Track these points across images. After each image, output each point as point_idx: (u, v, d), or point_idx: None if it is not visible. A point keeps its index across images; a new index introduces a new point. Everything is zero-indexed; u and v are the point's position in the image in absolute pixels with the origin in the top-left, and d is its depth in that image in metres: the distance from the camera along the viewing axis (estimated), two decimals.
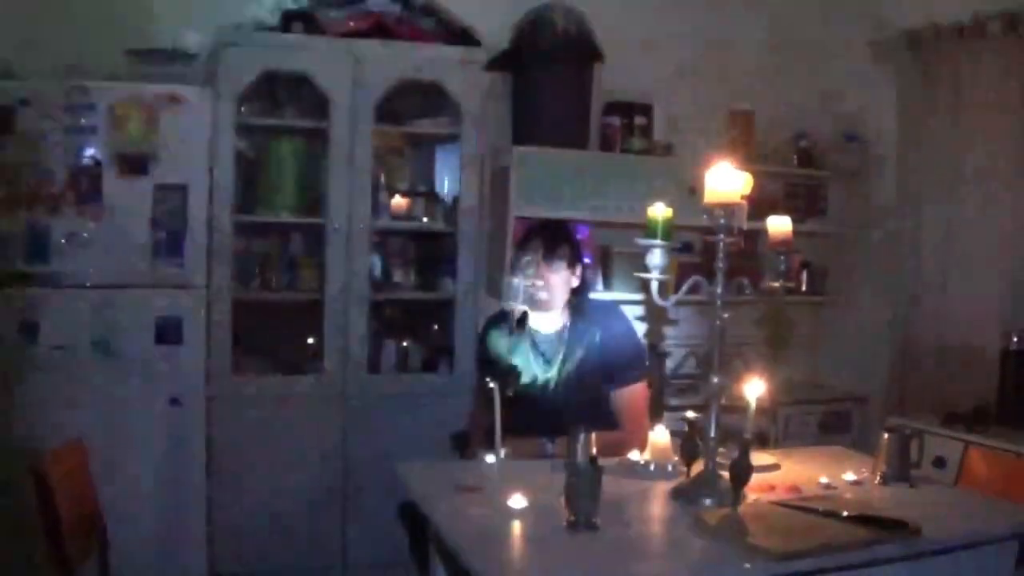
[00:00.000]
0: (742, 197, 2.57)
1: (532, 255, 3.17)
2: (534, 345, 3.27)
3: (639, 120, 4.63)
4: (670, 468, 2.83)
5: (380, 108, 4.17)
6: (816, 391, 5.02)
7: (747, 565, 2.11)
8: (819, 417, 4.82)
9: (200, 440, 3.87)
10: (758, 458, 2.75)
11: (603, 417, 3.13)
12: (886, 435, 2.86)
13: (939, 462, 3.53)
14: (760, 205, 2.82)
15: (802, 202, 4.98)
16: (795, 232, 2.78)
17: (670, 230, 2.61)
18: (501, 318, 3.29)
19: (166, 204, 3.78)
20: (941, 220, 4.45)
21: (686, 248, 4.44)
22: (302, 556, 4.08)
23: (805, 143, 4.95)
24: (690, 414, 2.74)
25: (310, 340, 4.29)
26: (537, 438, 3.07)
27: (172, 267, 3.80)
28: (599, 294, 4.36)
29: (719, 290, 2.61)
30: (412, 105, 4.34)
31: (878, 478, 2.82)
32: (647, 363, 3.40)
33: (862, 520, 2.34)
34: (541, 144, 4.34)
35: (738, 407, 2.61)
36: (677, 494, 2.60)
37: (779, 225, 2.75)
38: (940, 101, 4.43)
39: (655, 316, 4.56)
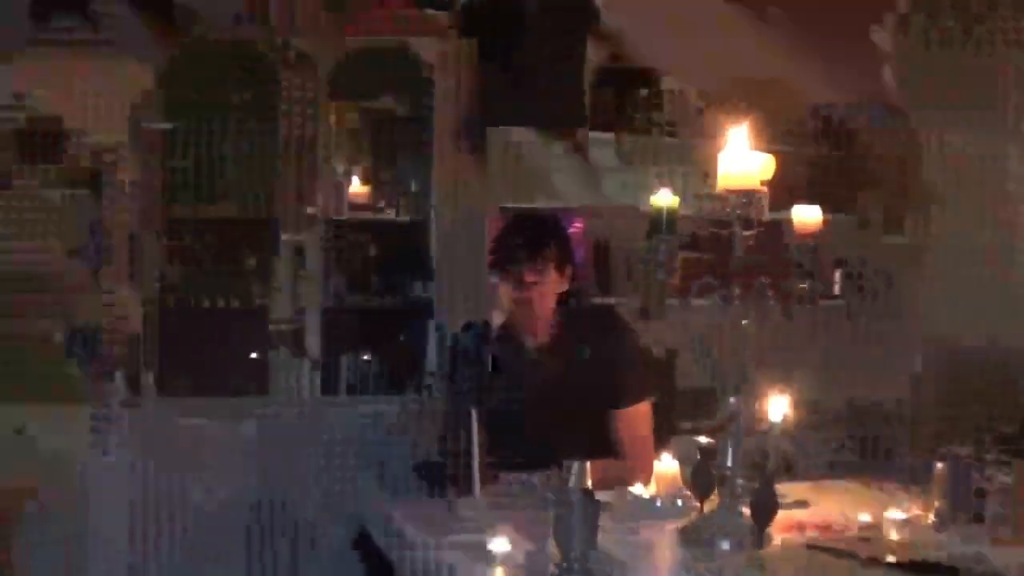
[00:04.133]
0: (762, 183, 2.53)
1: (513, 254, 3.14)
2: (517, 359, 3.23)
3: (641, 92, 4.61)
4: (679, 503, 2.79)
5: (336, 81, 4.14)
6: (847, 410, 5.01)
7: None
8: (851, 441, 4.80)
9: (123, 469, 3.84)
10: (786, 491, 2.70)
11: (600, 443, 3.09)
12: (939, 464, 2.80)
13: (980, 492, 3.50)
14: (781, 192, 2.81)
15: (832, 190, 4.96)
16: (825, 224, 2.75)
17: (675, 221, 2.60)
18: (477, 328, 3.27)
19: (81, 194, 3.74)
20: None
21: (695, 243, 4.41)
22: None
23: (834, 118, 4.93)
24: (703, 439, 2.70)
25: (253, 355, 4.26)
26: (519, 473, 3.02)
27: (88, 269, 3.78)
28: (594, 298, 4.32)
29: (736, 292, 2.57)
30: (374, 78, 4.32)
31: (932, 516, 2.76)
32: (651, 379, 3.37)
33: (914, 568, 2.29)
34: (524, 123, 4.33)
35: (757, 430, 2.57)
36: (688, 535, 2.55)
37: (806, 216, 2.73)
38: None
39: (661, 323, 4.52)
